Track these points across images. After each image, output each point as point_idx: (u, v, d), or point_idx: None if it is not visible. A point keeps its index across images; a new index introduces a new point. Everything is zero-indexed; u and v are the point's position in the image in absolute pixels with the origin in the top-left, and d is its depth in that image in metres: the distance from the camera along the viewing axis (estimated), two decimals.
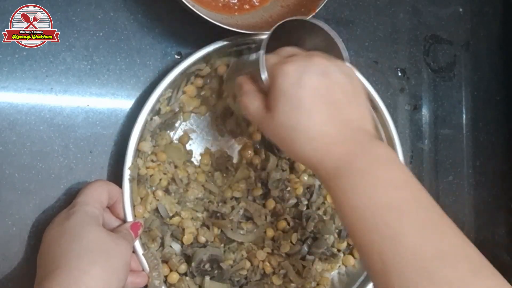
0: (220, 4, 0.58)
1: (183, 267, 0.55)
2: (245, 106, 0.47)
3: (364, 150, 0.42)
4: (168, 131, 0.57)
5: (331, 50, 0.48)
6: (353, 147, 0.42)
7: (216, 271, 0.56)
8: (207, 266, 0.55)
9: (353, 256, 0.62)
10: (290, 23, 0.48)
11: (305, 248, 0.59)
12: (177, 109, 0.57)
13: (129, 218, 0.52)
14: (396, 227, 0.38)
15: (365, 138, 0.43)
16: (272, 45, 0.48)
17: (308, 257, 0.59)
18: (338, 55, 0.47)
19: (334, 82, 0.43)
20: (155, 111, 0.55)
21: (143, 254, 0.52)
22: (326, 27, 0.48)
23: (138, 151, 0.54)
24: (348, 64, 0.47)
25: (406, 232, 0.38)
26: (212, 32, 0.55)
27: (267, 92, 0.45)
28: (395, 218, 0.38)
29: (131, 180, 0.53)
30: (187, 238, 0.56)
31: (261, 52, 0.45)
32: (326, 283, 0.60)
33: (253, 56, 0.50)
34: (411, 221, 0.38)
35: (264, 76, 0.45)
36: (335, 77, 0.44)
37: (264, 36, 0.54)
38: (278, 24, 0.47)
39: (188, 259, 0.56)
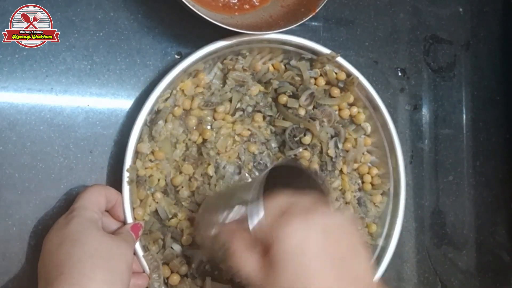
0: (220, 4, 0.58)
1: (184, 269, 0.55)
2: (239, 267, 0.43)
3: None
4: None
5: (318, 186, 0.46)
6: None
7: (216, 272, 0.55)
8: (207, 267, 0.55)
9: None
10: (278, 167, 0.45)
11: None
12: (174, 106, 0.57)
13: (129, 220, 0.52)
14: None
15: None
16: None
17: None
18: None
19: (336, 238, 0.41)
20: (154, 112, 0.55)
21: (143, 256, 0.52)
22: (310, 172, 0.46)
23: (137, 153, 0.54)
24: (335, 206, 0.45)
25: None
26: (212, 32, 0.55)
27: (260, 246, 0.42)
28: None
29: (129, 182, 0.53)
30: (186, 239, 0.56)
31: (257, 195, 0.42)
32: None
33: (239, 208, 0.45)
34: None
35: (262, 233, 0.41)
36: (337, 233, 0.41)
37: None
38: (264, 173, 0.44)
39: (188, 260, 0.56)
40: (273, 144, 0.61)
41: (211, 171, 0.56)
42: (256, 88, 0.59)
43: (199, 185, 0.56)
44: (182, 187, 0.56)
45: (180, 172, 0.57)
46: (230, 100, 0.59)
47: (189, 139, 0.57)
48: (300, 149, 0.60)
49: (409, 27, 0.72)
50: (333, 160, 0.61)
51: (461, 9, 0.75)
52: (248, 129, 0.59)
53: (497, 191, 0.75)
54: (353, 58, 0.65)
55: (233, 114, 0.59)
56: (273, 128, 0.60)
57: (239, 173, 0.58)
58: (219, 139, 0.57)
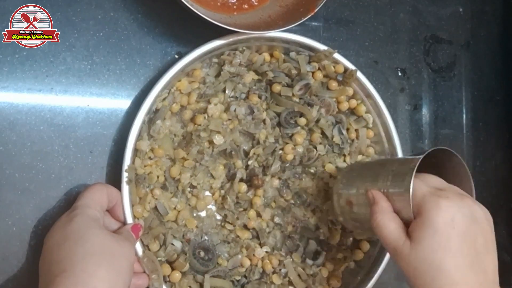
0: (218, 4, 0.58)
1: (185, 266, 0.55)
2: (380, 226, 0.46)
3: None
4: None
5: (460, 176, 0.50)
6: None
7: (211, 258, 0.56)
8: (202, 253, 0.56)
9: (361, 250, 0.62)
10: (433, 152, 0.47)
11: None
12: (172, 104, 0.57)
13: (129, 219, 0.52)
14: None
15: None
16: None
17: (314, 262, 0.60)
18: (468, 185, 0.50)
19: (480, 228, 0.44)
20: (153, 111, 0.55)
21: (141, 256, 0.52)
22: (462, 162, 0.49)
23: (136, 150, 0.54)
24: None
25: None
26: (211, 32, 0.55)
27: (403, 218, 0.45)
28: None
29: (128, 182, 0.53)
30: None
31: (410, 176, 0.45)
32: (338, 281, 0.60)
33: (393, 172, 0.49)
34: None
35: (411, 206, 0.44)
36: (481, 224, 0.44)
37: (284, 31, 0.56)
38: (427, 152, 0.47)
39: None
40: (269, 124, 0.60)
41: (217, 140, 0.57)
42: (249, 76, 0.60)
43: (193, 166, 0.57)
44: (181, 174, 0.57)
45: (176, 162, 0.57)
46: (224, 91, 0.59)
47: (186, 132, 0.57)
48: (299, 128, 0.60)
49: (409, 27, 0.72)
50: (341, 146, 0.62)
51: (461, 9, 0.75)
52: (246, 103, 0.59)
53: (497, 191, 0.75)
54: (353, 58, 0.65)
55: (227, 103, 0.59)
56: (269, 111, 0.61)
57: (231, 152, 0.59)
58: (211, 122, 0.57)
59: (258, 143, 0.59)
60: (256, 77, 0.60)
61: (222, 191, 0.59)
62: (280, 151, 0.60)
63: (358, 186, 0.53)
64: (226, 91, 0.59)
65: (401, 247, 0.44)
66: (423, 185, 0.46)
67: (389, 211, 0.46)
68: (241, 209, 0.59)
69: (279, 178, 0.60)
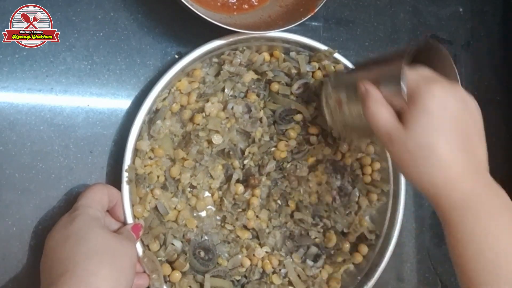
0: (219, 4, 0.58)
1: (185, 266, 0.55)
2: (373, 114, 0.46)
3: (490, 192, 0.43)
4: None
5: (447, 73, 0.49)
6: (481, 185, 0.43)
7: (211, 258, 0.56)
8: (202, 253, 0.56)
9: (360, 253, 0.62)
10: (422, 44, 0.48)
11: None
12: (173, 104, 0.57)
13: (129, 220, 0.52)
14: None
15: (489, 179, 0.44)
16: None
17: (314, 264, 0.60)
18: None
19: (472, 116, 0.45)
20: (153, 111, 0.55)
21: (141, 256, 0.52)
22: (450, 58, 0.48)
23: (136, 150, 0.54)
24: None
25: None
26: (211, 32, 0.55)
27: (396, 106, 0.45)
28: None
29: (129, 182, 0.53)
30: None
31: (404, 62, 0.44)
32: (337, 282, 0.60)
33: (383, 64, 0.49)
34: None
35: (405, 91, 0.44)
36: (473, 112, 0.45)
37: (274, 33, 0.56)
38: (419, 42, 0.47)
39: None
40: (266, 122, 0.61)
41: (215, 139, 0.57)
42: (249, 76, 0.60)
43: (193, 166, 0.57)
44: (181, 174, 0.57)
45: (176, 163, 0.57)
46: (223, 90, 0.59)
47: (185, 131, 0.57)
48: (292, 123, 0.60)
49: (409, 27, 0.72)
50: (338, 140, 0.62)
51: (461, 9, 0.75)
52: (244, 102, 0.59)
53: None
54: (353, 58, 0.65)
55: (225, 102, 0.59)
56: (266, 109, 0.61)
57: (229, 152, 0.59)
58: (210, 121, 0.57)
59: (254, 141, 0.59)
60: (255, 76, 0.60)
61: (220, 192, 0.59)
62: (274, 148, 0.60)
63: (347, 83, 0.53)
64: (225, 90, 0.59)
65: (395, 132, 0.44)
66: (414, 73, 0.46)
67: (381, 99, 0.46)
68: (240, 209, 0.59)
69: (272, 179, 0.60)
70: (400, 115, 0.45)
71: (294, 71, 0.60)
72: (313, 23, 0.66)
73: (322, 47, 0.60)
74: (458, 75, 0.48)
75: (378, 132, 0.46)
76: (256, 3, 0.60)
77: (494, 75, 0.76)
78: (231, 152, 0.58)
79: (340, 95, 0.54)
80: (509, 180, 0.74)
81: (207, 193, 0.59)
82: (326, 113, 0.58)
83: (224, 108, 0.58)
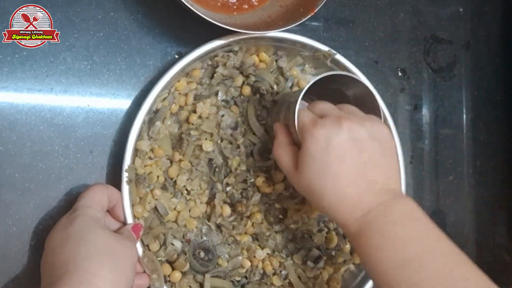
0: (219, 4, 0.58)
1: (185, 266, 0.55)
2: (277, 157, 0.50)
3: (384, 210, 0.44)
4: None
5: (369, 99, 0.51)
6: (374, 208, 0.44)
7: (211, 259, 0.56)
8: (202, 254, 0.56)
9: None
10: (330, 76, 0.49)
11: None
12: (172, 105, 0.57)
13: (129, 220, 0.52)
14: (415, 281, 0.41)
15: (387, 197, 0.45)
16: (313, 91, 0.50)
17: (315, 265, 0.60)
18: (374, 106, 0.51)
19: (361, 146, 0.45)
20: (153, 111, 0.55)
21: (141, 256, 0.52)
22: (364, 84, 0.50)
23: (136, 150, 0.54)
24: (380, 121, 0.49)
25: (426, 284, 0.40)
26: (211, 32, 0.55)
27: (298, 146, 0.48)
28: (414, 272, 0.41)
29: (129, 182, 0.53)
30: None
31: (296, 108, 0.47)
32: (337, 283, 0.60)
33: (289, 103, 0.52)
34: (430, 272, 0.41)
35: (295, 134, 0.47)
36: (363, 141, 0.46)
37: (271, 33, 0.56)
38: (314, 79, 0.49)
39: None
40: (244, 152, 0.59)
41: (205, 146, 0.56)
42: (240, 79, 0.59)
43: (189, 169, 0.57)
44: (178, 176, 0.56)
45: (173, 163, 0.57)
46: (217, 94, 0.59)
47: (180, 132, 0.57)
48: (271, 163, 0.58)
49: (409, 27, 0.72)
50: None
51: (461, 9, 0.75)
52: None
53: (497, 191, 0.75)
54: (353, 58, 0.65)
55: (219, 107, 0.59)
56: (245, 138, 0.59)
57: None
58: (204, 122, 0.56)
59: (231, 171, 0.58)
60: (244, 79, 0.60)
61: (208, 208, 0.58)
62: (252, 179, 0.58)
63: (274, 119, 0.57)
64: (219, 94, 0.59)
65: (291, 174, 0.48)
66: (307, 114, 0.48)
67: (285, 143, 0.50)
68: (235, 223, 0.58)
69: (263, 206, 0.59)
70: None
71: (281, 78, 0.60)
72: (313, 23, 0.66)
73: (322, 47, 0.60)
74: (377, 101, 0.50)
75: (283, 171, 0.50)
76: (256, 3, 0.60)
77: (494, 75, 0.76)
78: (217, 169, 0.57)
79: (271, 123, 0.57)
80: (509, 180, 0.75)
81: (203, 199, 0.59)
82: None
83: (216, 113, 0.58)
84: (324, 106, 0.50)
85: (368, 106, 0.51)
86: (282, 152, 0.50)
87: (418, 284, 0.40)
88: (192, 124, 0.56)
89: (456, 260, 0.42)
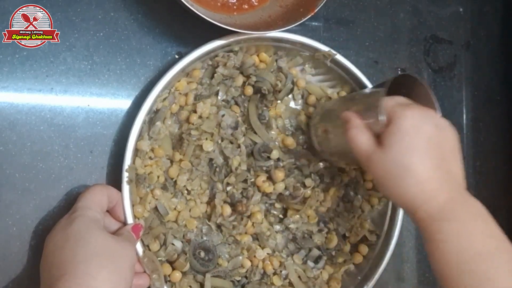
0: (219, 4, 0.58)
1: (185, 265, 0.55)
2: (353, 138, 0.49)
3: (465, 202, 0.46)
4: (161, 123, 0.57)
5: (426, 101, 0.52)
6: (456, 197, 0.46)
7: (211, 259, 0.56)
8: (202, 254, 0.56)
9: (360, 253, 0.62)
10: (401, 77, 0.52)
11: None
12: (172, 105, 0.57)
13: (129, 220, 0.52)
14: (490, 272, 0.42)
15: (465, 192, 0.47)
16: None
17: (315, 265, 0.60)
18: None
19: (445, 136, 0.48)
20: (153, 111, 0.55)
21: (141, 256, 0.52)
22: (427, 87, 0.52)
23: (136, 150, 0.54)
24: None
25: (499, 277, 0.42)
26: (211, 32, 0.55)
27: (375, 132, 0.49)
28: (489, 265, 0.42)
29: (129, 182, 0.53)
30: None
31: (382, 92, 0.49)
32: (338, 283, 0.60)
33: (364, 96, 0.56)
34: (502, 267, 0.43)
35: (382, 117, 0.48)
36: (446, 132, 0.48)
37: (270, 33, 0.57)
38: (393, 76, 0.51)
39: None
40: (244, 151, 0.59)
41: (206, 146, 0.56)
42: (240, 79, 0.59)
43: (190, 169, 0.57)
44: (178, 176, 0.56)
45: (173, 163, 0.57)
46: (217, 94, 0.59)
47: (180, 132, 0.57)
48: (272, 162, 0.59)
49: (409, 27, 0.72)
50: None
51: (461, 9, 0.75)
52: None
53: (497, 191, 0.75)
54: (353, 58, 0.65)
55: (219, 107, 0.59)
56: (246, 137, 0.59)
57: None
58: (205, 122, 0.56)
59: (231, 170, 0.58)
60: (245, 79, 0.60)
61: (209, 208, 0.58)
62: (252, 179, 0.58)
63: (333, 115, 0.57)
64: (219, 94, 0.59)
65: (372, 153, 0.48)
66: (391, 101, 0.50)
67: (360, 124, 0.50)
68: (235, 222, 0.58)
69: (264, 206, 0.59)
70: (379, 139, 0.48)
71: (280, 84, 0.60)
72: (313, 23, 0.66)
73: (322, 47, 0.60)
74: (436, 103, 0.51)
75: (357, 154, 0.49)
76: (256, 3, 0.60)
77: (494, 75, 0.76)
78: (217, 169, 0.57)
79: (326, 125, 0.58)
80: (509, 180, 0.75)
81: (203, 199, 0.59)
82: (314, 141, 0.59)
83: (216, 113, 0.58)
84: (402, 99, 0.51)
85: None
86: (359, 132, 0.49)
87: (493, 277, 0.42)
88: (193, 124, 0.56)
89: None
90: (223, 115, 0.57)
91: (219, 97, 0.59)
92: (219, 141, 0.58)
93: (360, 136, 0.49)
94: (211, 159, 0.57)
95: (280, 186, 0.58)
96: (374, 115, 0.48)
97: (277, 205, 0.59)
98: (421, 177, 0.45)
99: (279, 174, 0.58)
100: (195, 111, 0.57)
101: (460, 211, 0.45)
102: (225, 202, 0.57)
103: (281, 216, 0.60)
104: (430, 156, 0.46)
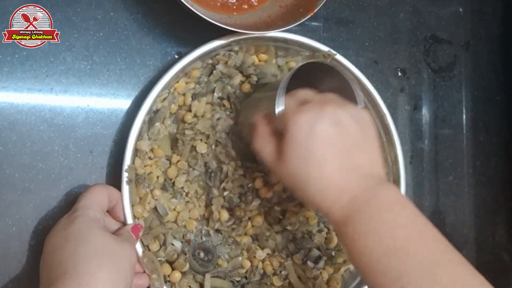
0: (218, 4, 0.58)
1: (185, 266, 0.55)
2: (259, 149, 0.48)
3: (371, 195, 0.43)
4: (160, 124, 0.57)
5: (347, 90, 0.49)
6: (360, 194, 0.43)
7: (211, 259, 0.56)
8: (202, 254, 0.56)
9: None
10: (309, 64, 0.48)
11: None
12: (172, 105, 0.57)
13: (129, 220, 0.52)
14: (401, 269, 0.40)
15: (373, 183, 0.44)
16: (290, 83, 0.48)
17: (315, 265, 0.60)
18: (353, 96, 0.49)
19: (346, 130, 0.44)
20: (153, 111, 0.55)
21: (141, 257, 0.52)
22: (343, 71, 0.49)
23: (136, 150, 0.54)
24: (361, 106, 0.48)
25: (411, 272, 0.39)
26: (211, 32, 0.55)
27: (280, 135, 0.46)
28: (400, 260, 0.40)
29: (129, 182, 0.53)
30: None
31: (279, 92, 0.46)
32: (337, 283, 0.60)
33: (270, 94, 0.50)
34: (415, 260, 0.40)
35: (278, 122, 0.46)
36: (347, 125, 0.44)
37: (273, 32, 0.56)
38: (297, 66, 0.47)
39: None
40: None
41: (199, 148, 0.56)
42: (238, 78, 0.59)
43: (187, 170, 0.56)
44: (177, 176, 0.56)
45: (172, 163, 0.57)
46: (213, 91, 0.58)
47: (176, 131, 0.57)
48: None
49: (409, 27, 0.72)
50: None
51: (461, 9, 0.75)
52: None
53: (497, 191, 0.75)
54: (353, 58, 0.65)
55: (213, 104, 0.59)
56: None
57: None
58: (200, 121, 0.56)
59: (227, 176, 0.57)
60: (244, 78, 0.60)
61: (206, 213, 0.58)
62: (250, 184, 0.57)
63: (250, 114, 0.54)
64: (215, 92, 0.58)
65: (275, 165, 0.46)
66: (291, 101, 0.47)
67: (267, 134, 0.48)
68: (234, 226, 0.58)
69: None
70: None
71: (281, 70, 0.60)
72: (313, 23, 0.66)
73: (322, 47, 0.60)
74: (358, 90, 0.48)
75: (264, 164, 0.48)
76: (255, 3, 0.60)
77: (494, 75, 0.76)
78: (212, 174, 0.57)
79: (249, 126, 0.54)
80: (509, 180, 0.75)
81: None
82: (246, 139, 0.56)
83: (211, 113, 0.58)
84: (305, 93, 0.49)
85: (347, 96, 0.49)
86: (263, 143, 0.48)
87: (404, 273, 0.39)
88: (188, 123, 0.56)
89: (442, 248, 0.41)
90: (218, 119, 0.57)
91: (215, 94, 0.58)
92: (213, 146, 0.57)
93: (265, 148, 0.47)
94: (206, 163, 0.57)
95: (278, 188, 0.58)
96: (278, 120, 0.46)
97: (277, 208, 0.59)
98: (321, 185, 0.43)
99: (275, 176, 0.57)
100: (190, 110, 0.57)
101: (364, 210, 0.42)
102: (222, 207, 0.57)
103: (280, 217, 0.60)
104: (329, 160, 0.43)
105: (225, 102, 0.59)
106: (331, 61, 0.50)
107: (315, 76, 0.51)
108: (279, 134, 0.46)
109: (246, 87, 0.59)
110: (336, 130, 0.44)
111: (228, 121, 0.57)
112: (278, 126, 0.46)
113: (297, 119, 0.44)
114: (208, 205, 0.57)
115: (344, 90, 0.49)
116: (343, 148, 0.44)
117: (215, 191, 0.57)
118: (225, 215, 0.56)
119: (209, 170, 0.57)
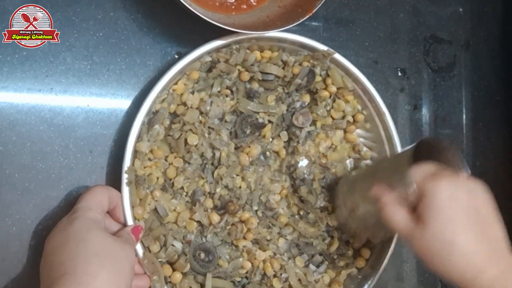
0: (217, 4, 0.58)
1: (186, 266, 0.55)
2: (389, 217, 0.48)
3: None
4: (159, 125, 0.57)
5: (448, 162, 0.50)
6: (505, 268, 0.44)
7: (211, 260, 0.56)
8: (202, 255, 0.56)
9: (363, 257, 0.62)
10: (424, 141, 0.50)
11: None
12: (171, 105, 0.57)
13: (129, 221, 0.52)
14: None
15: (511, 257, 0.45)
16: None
17: (316, 269, 0.60)
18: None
19: (481, 201, 0.46)
20: (152, 113, 0.55)
21: (141, 258, 0.52)
22: (454, 151, 0.50)
23: (136, 152, 0.54)
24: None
25: None
26: (211, 32, 0.55)
27: (408, 203, 0.47)
28: None
29: (128, 184, 0.53)
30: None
31: (408, 165, 0.47)
32: (339, 285, 0.60)
33: (390, 166, 0.54)
34: None
35: (412, 189, 0.46)
36: (481, 197, 0.46)
37: (283, 32, 0.56)
38: (418, 141, 0.49)
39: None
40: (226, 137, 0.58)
41: (190, 140, 0.56)
42: (236, 73, 0.59)
43: (183, 167, 0.56)
44: (176, 176, 0.56)
45: (171, 164, 0.57)
46: (212, 86, 0.58)
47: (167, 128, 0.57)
48: (247, 140, 0.58)
49: (409, 27, 0.72)
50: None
51: (461, 9, 0.75)
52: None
53: (497, 191, 0.74)
54: (353, 58, 0.65)
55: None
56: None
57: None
58: (188, 112, 0.56)
59: (219, 162, 0.57)
60: (242, 70, 0.59)
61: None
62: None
63: (360, 189, 0.55)
64: (213, 87, 0.58)
65: (412, 232, 0.46)
66: (420, 172, 0.48)
67: (394, 202, 0.48)
68: (229, 227, 0.58)
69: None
70: (414, 211, 0.47)
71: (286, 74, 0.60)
72: (313, 23, 0.66)
73: (322, 47, 0.60)
74: (464, 163, 0.50)
75: (397, 233, 0.49)
76: (254, 3, 0.60)
77: (494, 75, 0.76)
78: (206, 165, 0.57)
79: (355, 201, 0.56)
80: (509, 180, 0.75)
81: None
82: (341, 217, 0.59)
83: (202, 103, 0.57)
84: (430, 166, 0.50)
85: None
86: (394, 211, 0.48)
87: None
88: (179, 115, 0.56)
89: None
90: (210, 103, 0.57)
91: (213, 89, 0.58)
92: (206, 134, 0.57)
93: (396, 215, 0.48)
94: (202, 154, 0.57)
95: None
96: (405, 189, 0.47)
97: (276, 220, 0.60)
98: (467, 250, 0.44)
99: (254, 150, 0.58)
100: (184, 104, 0.57)
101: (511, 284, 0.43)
102: (212, 209, 0.57)
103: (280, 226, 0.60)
104: (471, 226, 0.44)
105: (224, 91, 0.59)
106: (444, 142, 0.53)
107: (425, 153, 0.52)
108: (407, 201, 0.47)
109: (245, 76, 0.59)
110: (473, 200, 0.46)
111: (220, 108, 0.57)
112: (409, 193, 0.47)
113: (438, 184, 0.45)
114: (194, 203, 0.57)
115: (445, 161, 0.51)
116: (481, 218, 0.45)
117: (206, 186, 0.57)
118: (214, 217, 0.56)
119: (204, 161, 0.57)
